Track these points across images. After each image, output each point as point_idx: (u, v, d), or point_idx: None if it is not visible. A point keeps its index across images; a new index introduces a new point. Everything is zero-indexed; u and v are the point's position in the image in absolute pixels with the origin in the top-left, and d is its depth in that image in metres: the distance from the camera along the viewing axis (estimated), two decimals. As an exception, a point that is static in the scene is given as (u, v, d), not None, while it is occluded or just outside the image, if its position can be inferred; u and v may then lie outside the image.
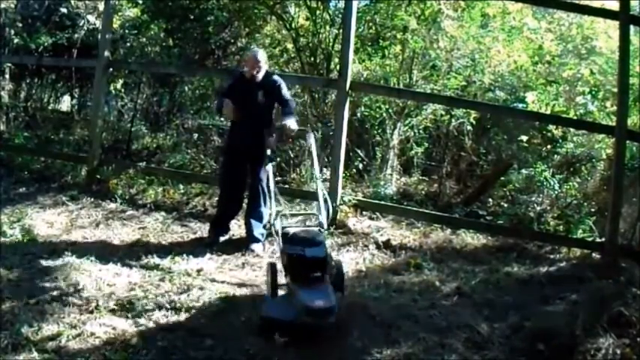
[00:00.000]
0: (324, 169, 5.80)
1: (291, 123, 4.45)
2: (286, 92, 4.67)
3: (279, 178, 6.10)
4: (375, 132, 6.32)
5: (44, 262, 4.11)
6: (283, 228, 3.65)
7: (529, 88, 5.98)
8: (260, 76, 4.60)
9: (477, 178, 6.11)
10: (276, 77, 4.71)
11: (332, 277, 3.47)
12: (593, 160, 5.69)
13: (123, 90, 8.20)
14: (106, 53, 5.98)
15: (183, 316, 3.44)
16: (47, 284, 3.74)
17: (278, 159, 4.54)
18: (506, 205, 5.58)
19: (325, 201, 3.85)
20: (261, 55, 4.66)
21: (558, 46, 6.47)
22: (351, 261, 4.45)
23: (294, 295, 3.30)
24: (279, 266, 3.59)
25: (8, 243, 4.49)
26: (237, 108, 4.57)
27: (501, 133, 6.22)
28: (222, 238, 4.78)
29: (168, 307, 3.53)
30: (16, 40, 7.63)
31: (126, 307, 3.50)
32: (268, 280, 3.54)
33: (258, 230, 4.61)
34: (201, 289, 3.80)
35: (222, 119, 6.26)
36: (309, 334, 3.22)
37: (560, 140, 5.89)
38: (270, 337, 3.15)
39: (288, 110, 4.54)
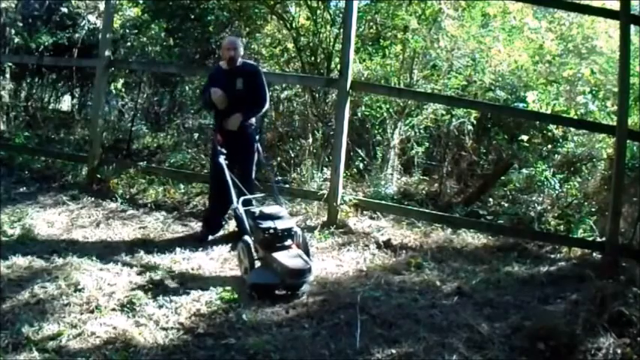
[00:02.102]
0: (325, 169, 5.82)
1: (233, 121, 4.55)
2: (261, 84, 4.63)
3: (279, 178, 6.13)
4: (376, 131, 6.32)
5: (45, 262, 4.11)
6: (248, 209, 4.19)
7: (529, 88, 5.98)
8: (237, 62, 4.60)
9: (478, 178, 6.11)
10: (254, 64, 4.70)
11: (299, 246, 4.00)
12: (594, 159, 5.69)
13: (123, 89, 8.19)
14: (107, 53, 5.98)
15: (183, 316, 3.44)
16: (48, 284, 3.74)
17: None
18: (506, 205, 5.58)
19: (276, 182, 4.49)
20: (237, 41, 4.65)
21: (559, 45, 6.48)
22: (351, 260, 4.45)
23: (273, 263, 3.79)
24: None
25: (9, 242, 4.50)
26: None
27: (502, 133, 6.22)
28: (213, 235, 4.76)
29: (169, 306, 3.53)
30: (16, 40, 7.65)
31: (126, 307, 3.50)
32: (244, 257, 3.96)
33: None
34: (202, 289, 3.80)
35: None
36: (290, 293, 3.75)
37: (561, 140, 5.89)
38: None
39: (247, 106, 4.56)
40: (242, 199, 4.27)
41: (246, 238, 4.07)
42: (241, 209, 4.19)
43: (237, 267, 4.13)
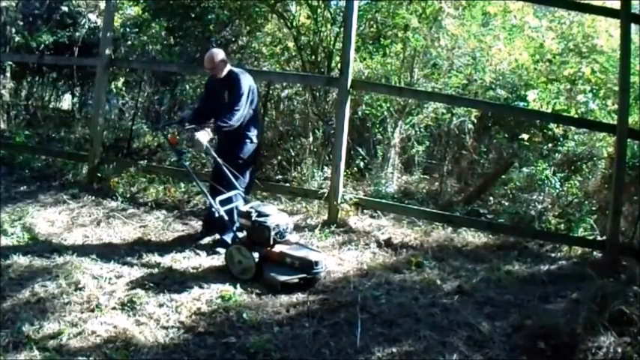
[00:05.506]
0: (325, 168, 5.82)
1: (200, 138, 4.27)
2: (235, 94, 4.38)
3: (279, 177, 6.13)
4: (376, 130, 6.32)
5: (45, 261, 4.12)
6: (237, 208, 4.23)
7: (530, 87, 5.98)
8: (222, 74, 4.54)
9: (478, 177, 6.11)
10: (236, 75, 4.49)
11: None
12: (594, 158, 5.69)
13: (124, 88, 8.20)
14: (107, 51, 5.98)
15: (184, 315, 3.45)
16: (48, 282, 3.74)
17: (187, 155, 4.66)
18: (507, 204, 5.58)
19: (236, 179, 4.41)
20: (216, 55, 4.52)
21: (559, 44, 6.46)
22: (352, 259, 4.44)
23: (287, 258, 3.91)
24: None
25: (9, 241, 4.50)
26: (210, 109, 4.63)
27: (502, 132, 6.22)
28: (207, 238, 4.72)
29: (169, 305, 3.54)
30: (17, 39, 7.65)
31: (127, 306, 3.51)
32: (243, 257, 3.97)
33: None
34: (202, 287, 3.80)
35: None
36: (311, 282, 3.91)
37: (562, 139, 5.89)
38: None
39: (216, 122, 4.35)
40: (218, 199, 4.24)
41: (241, 238, 4.11)
42: (221, 211, 4.17)
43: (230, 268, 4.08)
